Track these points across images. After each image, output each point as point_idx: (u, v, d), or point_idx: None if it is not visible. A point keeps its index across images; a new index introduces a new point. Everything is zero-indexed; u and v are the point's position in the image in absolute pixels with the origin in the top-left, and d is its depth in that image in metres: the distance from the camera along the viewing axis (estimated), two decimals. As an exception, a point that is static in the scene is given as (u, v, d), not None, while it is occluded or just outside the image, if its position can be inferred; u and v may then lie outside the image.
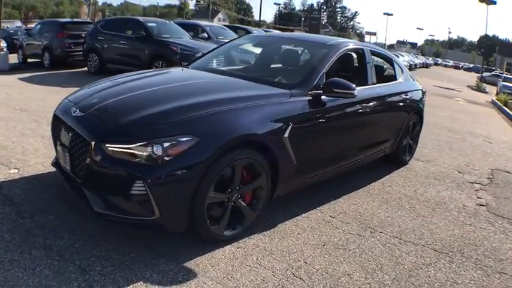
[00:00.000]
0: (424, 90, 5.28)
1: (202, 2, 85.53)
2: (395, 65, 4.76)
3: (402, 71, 4.87)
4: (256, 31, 15.73)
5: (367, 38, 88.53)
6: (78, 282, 2.19)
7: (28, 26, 28.10)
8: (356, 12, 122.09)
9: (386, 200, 3.84)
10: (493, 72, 36.96)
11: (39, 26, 13.66)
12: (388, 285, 2.51)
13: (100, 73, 10.57)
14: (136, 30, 10.46)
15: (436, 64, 60.66)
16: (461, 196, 4.21)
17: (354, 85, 3.21)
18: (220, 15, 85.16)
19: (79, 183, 2.60)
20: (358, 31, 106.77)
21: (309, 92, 3.17)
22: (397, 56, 32.56)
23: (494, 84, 25.54)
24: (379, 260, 2.76)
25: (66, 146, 2.78)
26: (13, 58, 13.96)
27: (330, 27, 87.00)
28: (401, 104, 4.53)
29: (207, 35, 12.63)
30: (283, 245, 2.84)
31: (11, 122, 5.46)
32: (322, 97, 3.23)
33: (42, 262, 2.36)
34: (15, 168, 3.82)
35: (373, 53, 4.47)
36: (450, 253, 2.97)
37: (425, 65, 45.14)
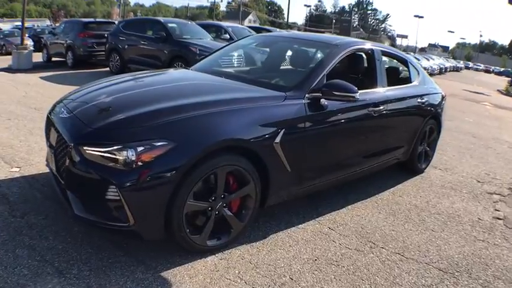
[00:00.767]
0: (443, 94, 4.96)
1: (233, 3, 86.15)
2: (410, 66, 4.48)
3: (418, 73, 4.58)
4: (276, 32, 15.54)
5: (398, 40, 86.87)
6: (53, 285, 2.17)
7: (56, 25, 29.09)
8: (387, 14, 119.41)
9: (393, 212, 3.59)
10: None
11: (63, 25, 13.99)
12: (381, 308, 2.30)
13: (121, 73, 10.66)
14: (156, 30, 10.50)
15: (467, 68, 59.87)
16: (477, 208, 3.90)
17: (355, 88, 2.98)
18: (250, 17, 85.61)
19: (63, 185, 2.54)
20: (389, 34, 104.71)
21: (307, 95, 2.98)
22: (427, 59, 31.84)
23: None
24: (374, 279, 2.53)
25: (53, 147, 2.74)
26: (39, 57, 14.42)
27: (361, 30, 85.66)
28: (415, 108, 4.26)
29: (228, 36, 12.56)
30: (271, 258, 2.66)
31: (22, 121, 5.53)
32: (322, 100, 3.04)
33: (23, 262, 2.35)
34: (17, 167, 3.84)
35: (385, 54, 4.22)
36: (456, 273, 2.71)
37: (456, 69, 44.36)
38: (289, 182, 2.96)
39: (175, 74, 3.78)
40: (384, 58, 4.66)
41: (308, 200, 3.56)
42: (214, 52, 4.31)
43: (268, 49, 4.24)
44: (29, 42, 18.60)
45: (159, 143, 2.26)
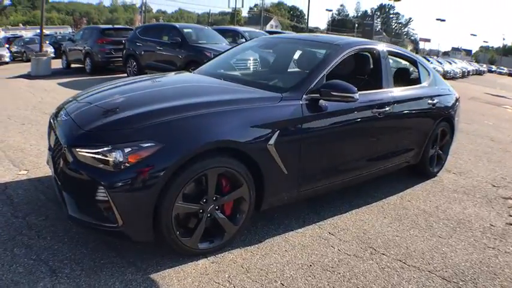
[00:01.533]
0: (457, 96, 4.78)
1: (255, 9, 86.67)
2: (420, 67, 4.34)
3: (429, 74, 4.43)
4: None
5: (421, 44, 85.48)
6: (44, 283, 2.22)
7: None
8: (410, 18, 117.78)
9: (400, 217, 3.46)
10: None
11: (81, 32, 14.28)
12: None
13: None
14: (172, 36, 10.61)
15: (490, 71, 58.97)
16: (490, 214, 3.72)
17: (355, 88, 2.89)
18: (272, 22, 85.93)
19: (60, 186, 2.56)
20: (412, 38, 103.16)
21: (305, 96, 2.91)
22: (450, 63, 31.44)
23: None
24: (370, 287, 2.43)
25: (51, 149, 2.80)
26: (59, 63, 14.80)
27: (384, 34, 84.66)
28: (425, 109, 4.11)
29: (245, 41, 12.59)
30: (264, 262, 2.58)
31: (36, 126, 5.65)
32: (321, 101, 2.96)
33: (20, 260, 2.41)
34: (25, 170, 3.93)
35: (393, 54, 4.10)
36: (461, 282, 2.57)
37: (479, 72, 43.87)
38: (286, 184, 2.88)
39: (174, 77, 3.77)
40: (394, 59, 4.57)
41: (310, 204, 3.48)
42: (220, 54, 4.29)
43: (271, 51, 4.19)
44: (49, 49, 19.18)
45: (146, 144, 2.26)
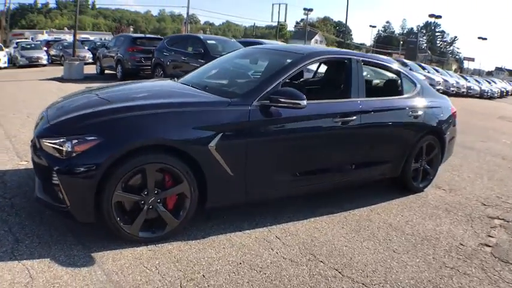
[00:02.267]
0: (452, 110, 4.61)
1: (301, 24, 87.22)
2: (403, 78, 4.24)
3: (415, 86, 4.32)
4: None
5: (465, 63, 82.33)
6: (7, 248, 2.62)
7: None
8: (455, 37, 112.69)
9: (359, 228, 3.39)
10: None
11: (114, 39, 14.98)
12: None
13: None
14: (196, 47, 10.99)
15: None
16: (465, 232, 3.54)
17: (303, 95, 2.96)
18: (317, 37, 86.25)
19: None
20: (457, 56, 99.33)
21: (255, 102, 3.00)
22: (489, 82, 31.43)
23: None
24: (289, 291, 2.42)
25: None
26: (95, 69, 15.66)
27: (429, 52, 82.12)
28: (404, 122, 4.01)
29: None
30: (197, 256, 2.71)
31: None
32: (273, 108, 3.02)
33: None
34: (25, 161, 4.33)
35: (370, 64, 4.06)
36: (392, 297, 2.49)
37: None
38: (232, 186, 2.98)
39: (148, 83, 4.15)
40: (380, 71, 4.50)
41: (271, 208, 3.50)
42: (204, 64, 4.49)
43: (248, 60, 4.31)
44: (87, 55, 20.27)
45: (89, 138, 2.58)
